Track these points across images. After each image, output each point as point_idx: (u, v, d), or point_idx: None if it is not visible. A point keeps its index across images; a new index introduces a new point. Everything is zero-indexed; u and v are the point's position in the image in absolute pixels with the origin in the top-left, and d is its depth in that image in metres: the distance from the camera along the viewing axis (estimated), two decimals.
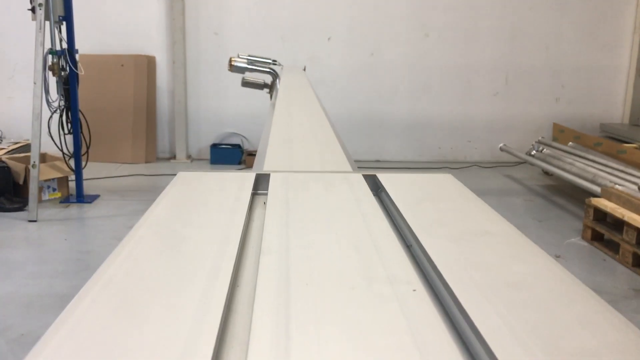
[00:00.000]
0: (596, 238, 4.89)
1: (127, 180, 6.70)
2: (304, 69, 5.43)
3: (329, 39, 7.83)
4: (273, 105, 3.34)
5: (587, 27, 7.98)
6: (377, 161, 8.06)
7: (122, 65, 7.49)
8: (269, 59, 4.78)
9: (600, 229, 4.80)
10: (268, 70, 4.65)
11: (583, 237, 5.00)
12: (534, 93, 8.14)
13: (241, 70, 4.55)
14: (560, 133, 7.47)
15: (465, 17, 7.85)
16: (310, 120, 2.75)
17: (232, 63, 4.58)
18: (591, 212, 4.88)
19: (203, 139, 7.99)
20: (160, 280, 0.89)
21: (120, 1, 7.60)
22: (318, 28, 7.79)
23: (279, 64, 4.84)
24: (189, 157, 7.97)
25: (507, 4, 7.84)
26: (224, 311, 0.81)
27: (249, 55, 4.67)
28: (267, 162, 1.79)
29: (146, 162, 7.64)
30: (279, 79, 4.43)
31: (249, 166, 7.44)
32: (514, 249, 1.07)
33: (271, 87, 4.78)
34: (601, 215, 4.86)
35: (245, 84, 4.77)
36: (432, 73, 7.99)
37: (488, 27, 7.90)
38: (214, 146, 7.81)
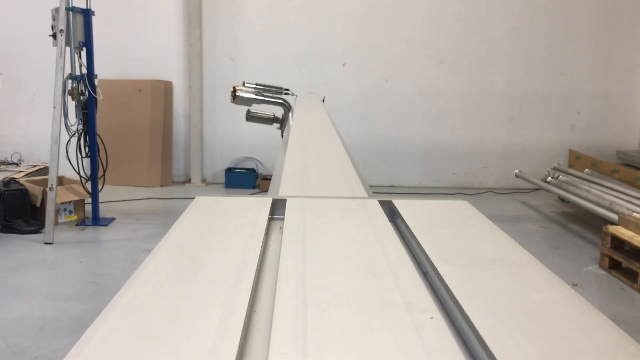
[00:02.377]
0: (614, 266, 4.82)
1: (142, 203, 6.75)
2: (323, 100, 4.80)
3: (344, 64, 7.90)
4: (284, 145, 2.71)
5: (603, 53, 7.97)
6: (392, 186, 8.05)
7: (140, 90, 7.60)
8: (280, 88, 4.25)
9: (618, 257, 4.73)
10: (279, 101, 4.15)
11: (600, 266, 4.93)
12: (550, 119, 8.12)
13: (247, 102, 4.09)
14: (577, 160, 7.43)
15: (480, 44, 7.88)
16: (335, 176, 2.10)
17: (237, 93, 4.10)
18: (608, 240, 4.82)
19: (218, 163, 8.04)
20: (178, 306, 0.90)
21: (139, 27, 7.74)
22: (333, 54, 7.87)
23: (292, 94, 4.32)
24: (203, 180, 8.02)
25: (522, 30, 7.87)
26: (241, 337, 0.81)
27: (257, 84, 4.19)
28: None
29: (162, 185, 7.69)
30: (292, 112, 3.94)
31: (264, 190, 7.46)
32: (531, 277, 1.07)
33: (282, 122, 4.28)
34: (619, 243, 4.79)
35: (251, 118, 4.25)
36: (447, 99, 8.01)
37: (503, 53, 7.93)
38: (229, 170, 7.85)
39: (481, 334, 0.81)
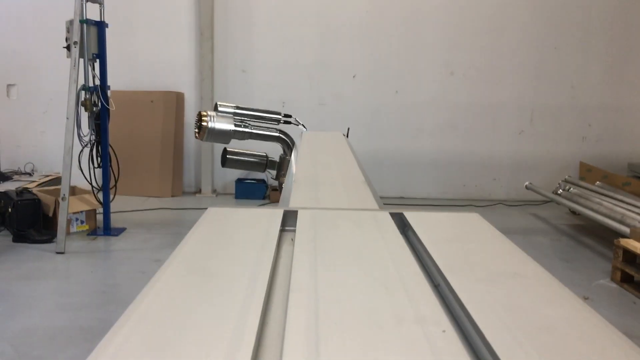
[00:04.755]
0: (626, 280, 4.77)
1: (153, 213, 6.78)
2: (347, 135, 3.25)
3: (354, 76, 7.92)
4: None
5: (613, 65, 7.95)
6: (402, 198, 8.04)
7: (152, 102, 7.66)
8: (277, 113, 3.15)
9: (630, 270, 4.69)
10: (274, 134, 3.09)
11: (612, 279, 4.89)
12: (560, 131, 8.09)
13: (221, 137, 2.98)
14: (588, 172, 7.38)
15: (490, 56, 7.89)
16: None
17: (203, 123, 2.97)
18: (620, 253, 4.78)
19: (228, 174, 8.07)
20: (191, 317, 0.90)
21: (151, 39, 7.82)
22: (343, 66, 7.90)
23: (296, 122, 3.21)
24: (214, 191, 8.04)
25: (532, 42, 7.87)
26: (254, 349, 0.81)
27: (238, 107, 3.10)
28: None
29: (172, 195, 7.72)
30: (296, 152, 2.61)
31: (274, 201, 7.48)
32: (543, 291, 1.07)
33: (280, 167, 3.23)
34: (630, 257, 4.75)
35: (230, 162, 3.22)
36: (457, 111, 8.01)
37: (513, 65, 7.92)
38: (239, 181, 7.88)
39: (494, 348, 0.81)
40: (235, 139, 3.03)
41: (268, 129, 3.09)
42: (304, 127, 3.39)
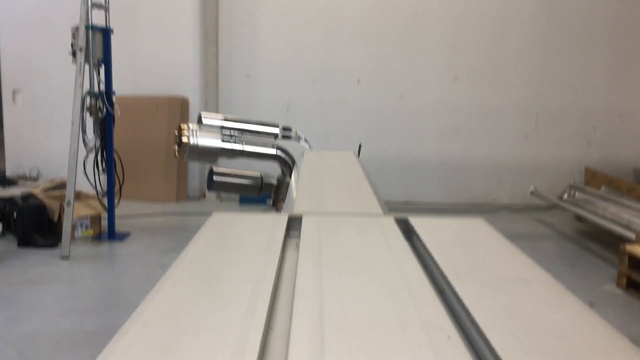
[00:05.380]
0: (631, 285, 4.75)
1: (158, 218, 6.79)
2: (359, 152, 2.85)
3: (358, 81, 7.93)
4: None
5: (619, 69, 7.93)
6: (406, 202, 8.02)
7: (157, 107, 7.68)
8: (273, 126, 2.61)
9: (636, 276, 4.66)
10: (270, 152, 2.55)
11: (618, 285, 4.86)
12: (565, 136, 8.07)
13: (206, 156, 2.47)
14: (593, 177, 7.36)
15: (494, 60, 7.88)
16: None
17: (184, 139, 2.43)
18: (626, 258, 4.75)
19: None
20: (197, 322, 0.91)
21: (156, 45, 7.85)
22: (348, 70, 7.90)
23: (297, 135, 2.68)
24: (218, 196, 8.05)
25: (536, 46, 7.86)
26: (259, 353, 0.81)
27: (226, 119, 2.60)
28: None
29: (177, 200, 7.73)
30: (298, 174, 2.07)
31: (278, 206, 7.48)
32: (549, 297, 1.06)
33: (278, 191, 2.72)
34: (636, 262, 4.73)
35: (218, 185, 2.73)
36: (461, 115, 8.00)
37: (517, 69, 7.91)
38: None
39: (499, 353, 0.81)
40: (223, 157, 2.49)
41: (264, 145, 2.53)
42: (307, 143, 2.86)
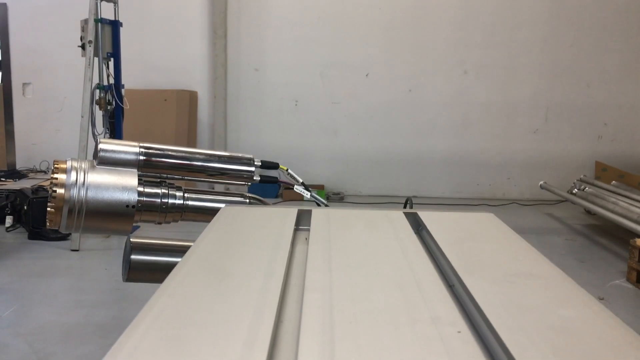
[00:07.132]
0: None
1: None
2: (410, 205, 1.84)
3: (367, 75, 7.91)
4: None
5: (630, 63, 7.86)
6: (415, 197, 8.01)
7: (166, 100, 7.70)
8: (245, 164, 1.75)
9: None
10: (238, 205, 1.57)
11: (628, 279, 4.84)
12: (575, 130, 8.02)
13: (103, 218, 1.53)
14: (603, 172, 7.32)
15: (505, 54, 7.84)
16: None
17: (56, 186, 1.46)
18: (636, 253, 4.73)
19: None
20: (207, 316, 0.91)
21: (165, 38, 7.86)
22: (356, 64, 7.89)
23: (290, 178, 1.83)
24: (227, 189, 8.07)
25: (547, 41, 7.81)
26: (269, 348, 0.82)
27: (147, 148, 1.64)
28: None
29: None
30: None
31: (286, 199, 7.48)
32: (559, 292, 1.06)
33: None
34: None
35: (134, 271, 1.70)
36: (471, 109, 7.96)
37: (527, 63, 7.87)
38: None
39: (509, 349, 0.80)
40: (144, 221, 1.49)
41: (227, 193, 1.55)
42: (306, 188, 1.93)
